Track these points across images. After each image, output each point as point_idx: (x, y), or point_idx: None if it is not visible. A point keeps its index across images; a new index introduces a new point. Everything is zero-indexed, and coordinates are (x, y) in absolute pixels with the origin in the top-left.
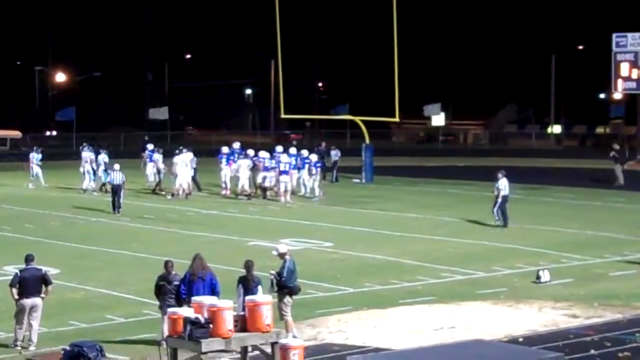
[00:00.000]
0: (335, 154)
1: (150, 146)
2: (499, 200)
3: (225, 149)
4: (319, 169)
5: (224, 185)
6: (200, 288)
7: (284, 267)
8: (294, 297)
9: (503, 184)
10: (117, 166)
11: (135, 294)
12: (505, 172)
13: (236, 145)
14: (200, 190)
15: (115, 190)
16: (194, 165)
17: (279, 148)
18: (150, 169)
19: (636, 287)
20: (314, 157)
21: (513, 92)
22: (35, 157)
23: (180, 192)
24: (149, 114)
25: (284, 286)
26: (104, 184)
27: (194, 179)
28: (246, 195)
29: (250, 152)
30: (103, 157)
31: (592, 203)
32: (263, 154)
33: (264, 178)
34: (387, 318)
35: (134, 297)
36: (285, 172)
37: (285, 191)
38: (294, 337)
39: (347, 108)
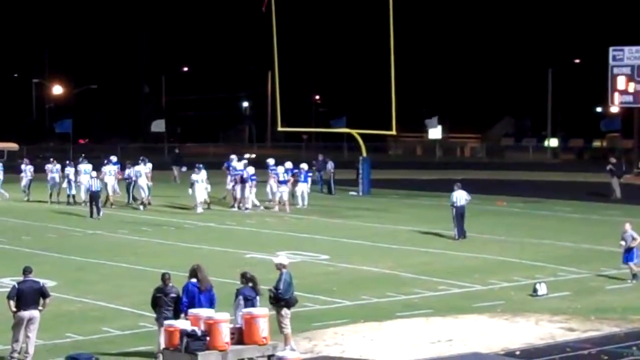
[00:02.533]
0: (330, 166)
1: (113, 158)
2: (452, 212)
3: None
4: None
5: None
6: (203, 299)
7: (281, 280)
8: (291, 309)
9: (454, 196)
10: (94, 173)
11: (131, 306)
12: (460, 185)
13: (233, 157)
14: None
15: (93, 197)
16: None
17: (272, 161)
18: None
19: (633, 300)
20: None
21: (510, 105)
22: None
23: (145, 201)
24: (150, 127)
25: (280, 299)
26: (68, 196)
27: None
28: (207, 204)
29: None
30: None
31: (589, 216)
32: (238, 164)
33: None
34: (384, 331)
35: (130, 310)
36: (284, 182)
37: (282, 201)
38: (292, 350)
39: (344, 121)
